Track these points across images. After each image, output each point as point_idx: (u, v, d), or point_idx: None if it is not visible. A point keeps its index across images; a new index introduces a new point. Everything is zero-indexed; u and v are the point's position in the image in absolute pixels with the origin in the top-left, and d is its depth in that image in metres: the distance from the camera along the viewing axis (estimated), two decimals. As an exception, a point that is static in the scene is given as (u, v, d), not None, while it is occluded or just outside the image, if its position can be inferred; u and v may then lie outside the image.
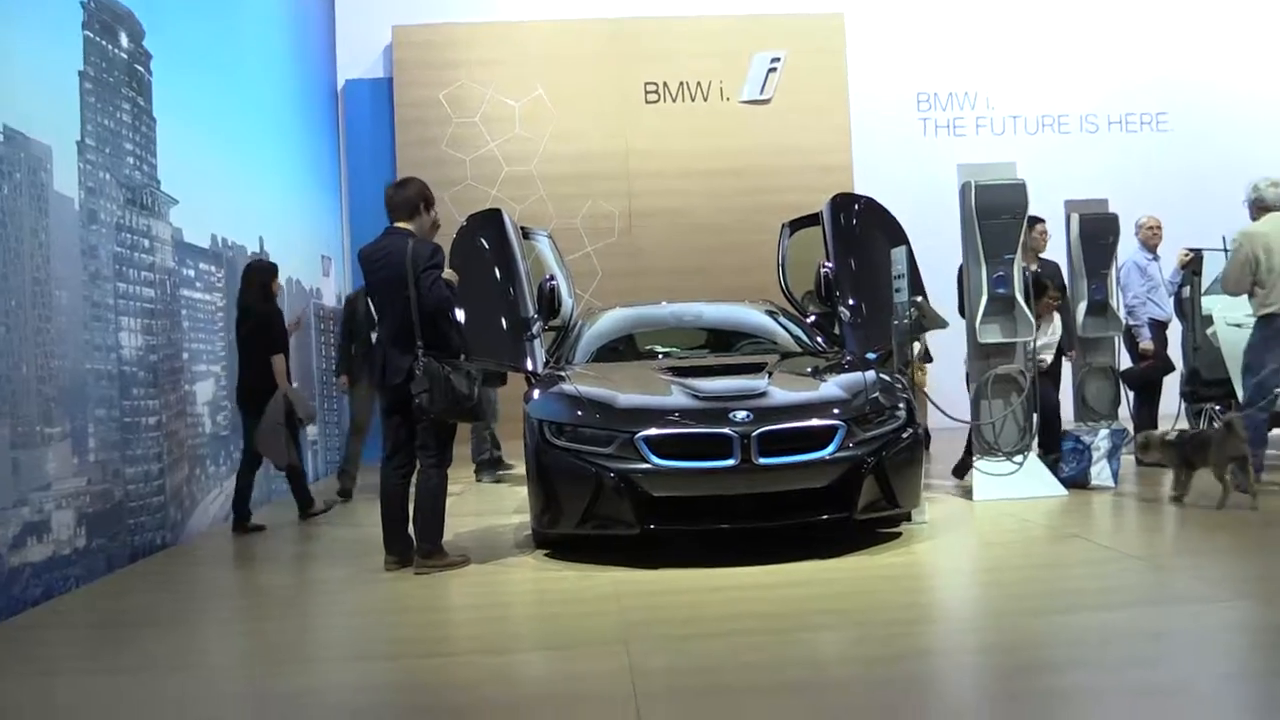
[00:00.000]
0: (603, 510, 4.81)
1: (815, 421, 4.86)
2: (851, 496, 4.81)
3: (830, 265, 6.60)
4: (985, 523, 5.61)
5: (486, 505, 7.02)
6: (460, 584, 4.70)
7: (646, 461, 4.75)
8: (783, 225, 7.63)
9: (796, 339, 6.57)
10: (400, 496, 5.02)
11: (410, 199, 5.03)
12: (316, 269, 9.77)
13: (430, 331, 4.87)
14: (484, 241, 6.59)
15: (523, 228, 7.43)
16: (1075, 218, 8.01)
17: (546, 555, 5.15)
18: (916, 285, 6.30)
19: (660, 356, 6.37)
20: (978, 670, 3.25)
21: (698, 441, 4.77)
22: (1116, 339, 8.05)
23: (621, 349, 6.51)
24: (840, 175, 10.70)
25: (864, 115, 11.10)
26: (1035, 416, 6.48)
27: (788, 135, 10.74)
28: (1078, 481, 6.52)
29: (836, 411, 4.93)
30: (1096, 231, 7.92)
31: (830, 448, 4.81)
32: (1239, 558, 4.57)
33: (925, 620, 3.78)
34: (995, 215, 6.38)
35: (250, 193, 8.06)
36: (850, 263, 6.57)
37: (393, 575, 4.92)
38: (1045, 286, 6.82)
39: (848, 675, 3.22)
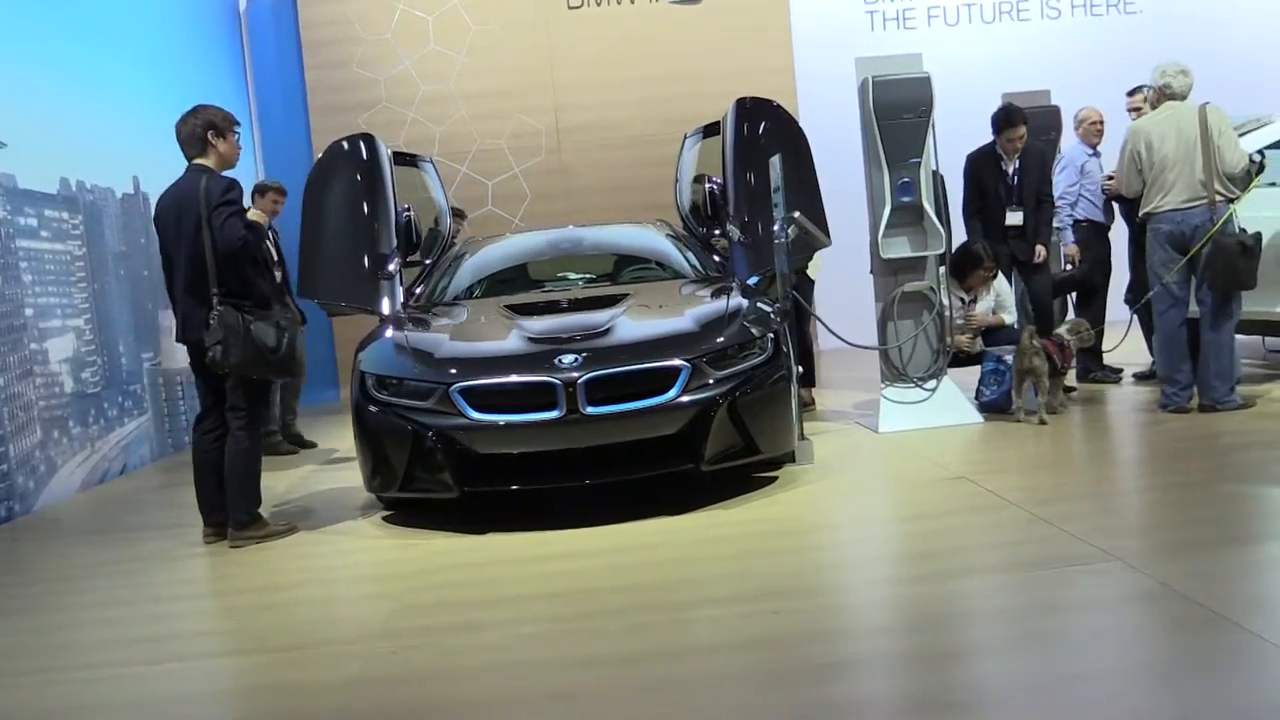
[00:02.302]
0: (422, 471, 4.34)
1: (654, 363, 4.32)
2: (699, 445, 4.30)
3: (716, 181, 5.98)
4: (874, 462, 5.09)
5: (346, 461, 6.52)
6: (266, 559, 4.27)
7: (464, 416, 4.25)
8: (685, 135, 7.00)
9: (691, 264, 6.00)
10: (213, 462, 4.55)
11: (195, 131, 4.46)
12: (222, 206, 9.21)
13: (229, 276, 4.35)
14: (344, 171, 6.04)
15: (404, 153, 6.85)
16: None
17: (385, 519, 4.71)
18: (813, 198, 5.72)
19: (532, 291, 5.82)
20: (759, 669, 2.76)
21: (519, 392, 4.26)
22: (1059, 243, 7.42)
23: (494, 284, 5.95)
24: (781, 79, 9.94)
25: (805, 11, 10.26)
26: (947, 340, 5.89)
27: (723, 37, 9.96)
28: (999, 406, 5.97)
29: (680, 350, 4.38)
30: (1033, 127, 7.22)
31: (672, 392, 4.28)
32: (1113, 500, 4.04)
33: (737, 598, 3.28)
34: (897, 114, 5.71)
35: (123, 130, 7.48)
36: (749, 176, 5.95)
37: (207, 549, 4.51)
38: (980, 258, 6.16)
39: (612, 680, 2.74)
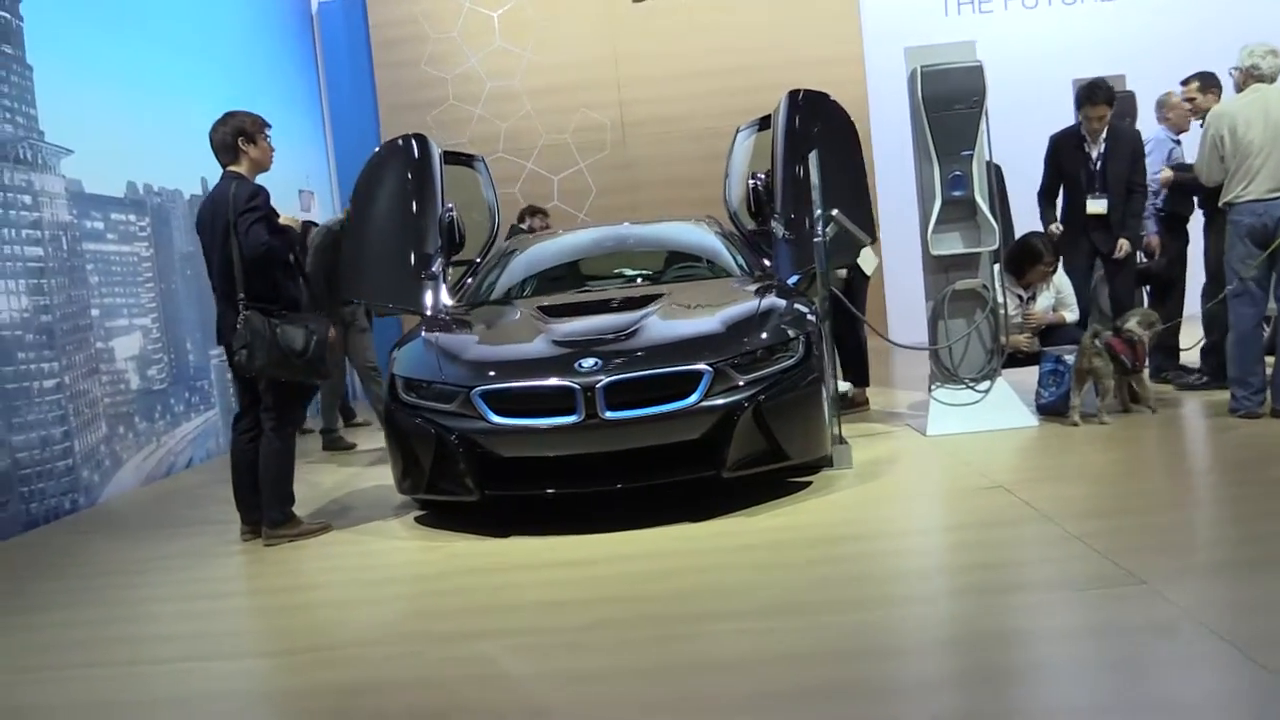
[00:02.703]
0: (446, 474, 4.36)
1: (675, 367, 4.24)
2: (722, 451, 4.21)
3: (761, 177, 5.85)
4: (913, 468, 4.91)
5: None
6: (294, 559, 4.35)
7: (485, 420, 4.25)
8: (737, 129, 6.88)
9: (738, 262, 5.89)
10: (249, 462, 4.65)
11: (225, 139, 4.54)
12: (293, 205, 9.44)
13: (257, 282, 4.43)
14: (393, 172, 6.11)
15: (455, 153, 6.90)
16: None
17: (417, 520, 4.75)
18: (859, 195, 5.56)
19: (570, 291, 5.78)
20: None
21: (538, 395, 4.23)
22: (1142, 235, 7.07)
23: (536, 283, 5.94)
24: (849, 68, 9.73)
25: (876, -4, 10.01)
26: (1002, 339, 5.66)
27: (790, 27, 9.77)
28: (1057, 409, 5.71)
29: (705, 353, 4.29)
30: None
31: (694, 396, 4.20)
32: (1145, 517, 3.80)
33: (738, 613, 3.19)
34: (947, 105, 5.48)
35: (192, 132, 7.67)
36: (797, 170, 5.80)
37: (243, 547, 4.61)
38: (1039, 252, 5.91)
39: (589, 697, 2.70)
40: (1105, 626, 2.81)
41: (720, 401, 4.22)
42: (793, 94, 6.17)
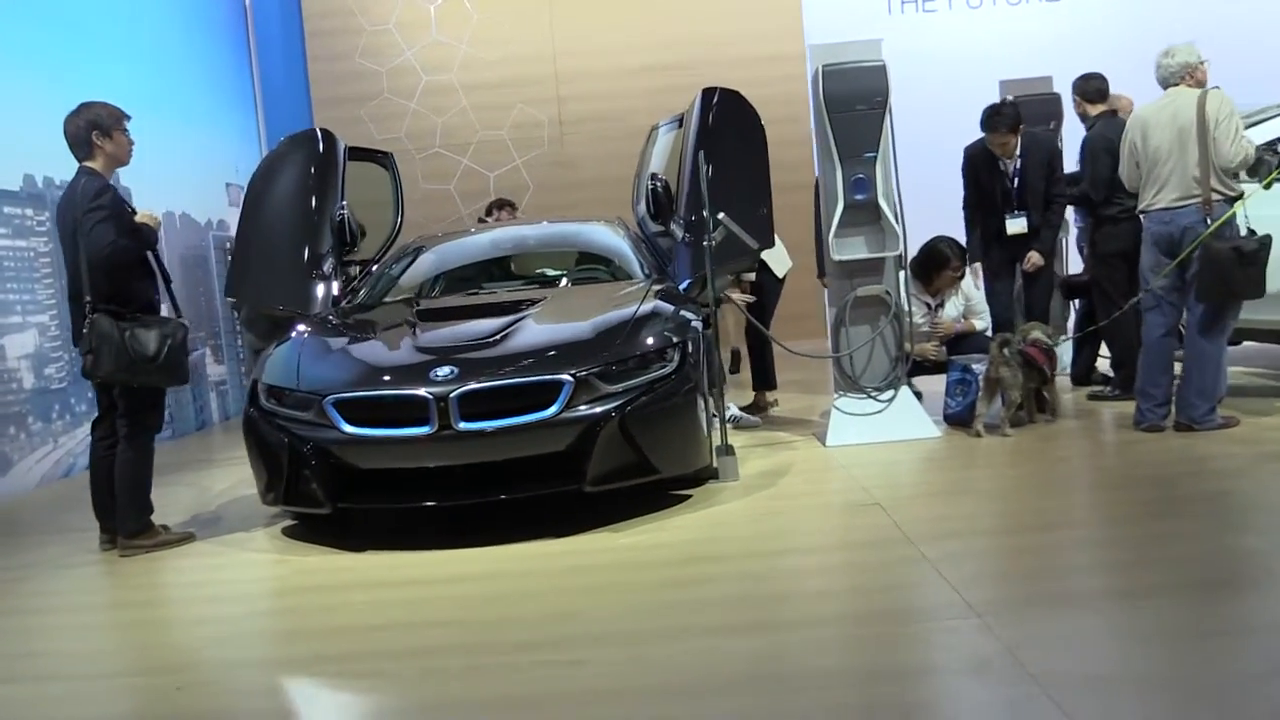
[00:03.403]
0: (299, 485, 4.18)
1: (533, 377, 4.07)
2: (584, 464, 4.04)
3: (659, 178, 5.68)
4: (798, 482, 4.74)
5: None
6: (139, 571, 4.17)
7: (337, 429, 4.07)
8: (656, 126, 6.72)
9: (642, 266, 5.71)
10: (107, 469, 4.46)
11: (79, 132, 4.34)
12: (220, 198, 9.24)
13: (104, 283, 4.24)
14: (291, 168, 5.92)
15: (366, 149, 6.72)
16: (1009, 100, 6.84)
17: (285, 531, 4.57)
18: (760, 199, 5.40)
19: (455, 294, 5.60)
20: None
21: (391, 405, 4.06)
22: (1063, 240, 6.95)
23: (426, 286, 5.75)
24: (791, 65, 9.56)
25: (818, -8, 9.85)
26: (906, 347, 5.51)
27: (730, 22, 9.60)
28: (963, 419, 5.56)
29: (569, 362, 4.12)
30: (1031, 115, 6.75)
31: (553, 408, 4.03)
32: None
33: (546, 642, 3.00)
34: (849, 105, 5.33)
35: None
36: (707, 170, 5.63)
37: (99, 557, 4.43)
38: (946, 258, 5.78)
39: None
40: (913, 667, 2.65)
41: (582, 413, 4.05)
42: (706, 92, 6.01)
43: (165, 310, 4.55)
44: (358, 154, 6.65)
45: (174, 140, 8.40)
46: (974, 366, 5.58)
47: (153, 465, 4.48)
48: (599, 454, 4.04)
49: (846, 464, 4.99)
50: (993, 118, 5.88)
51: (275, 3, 9.97)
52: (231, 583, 3.98)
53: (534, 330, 4.42)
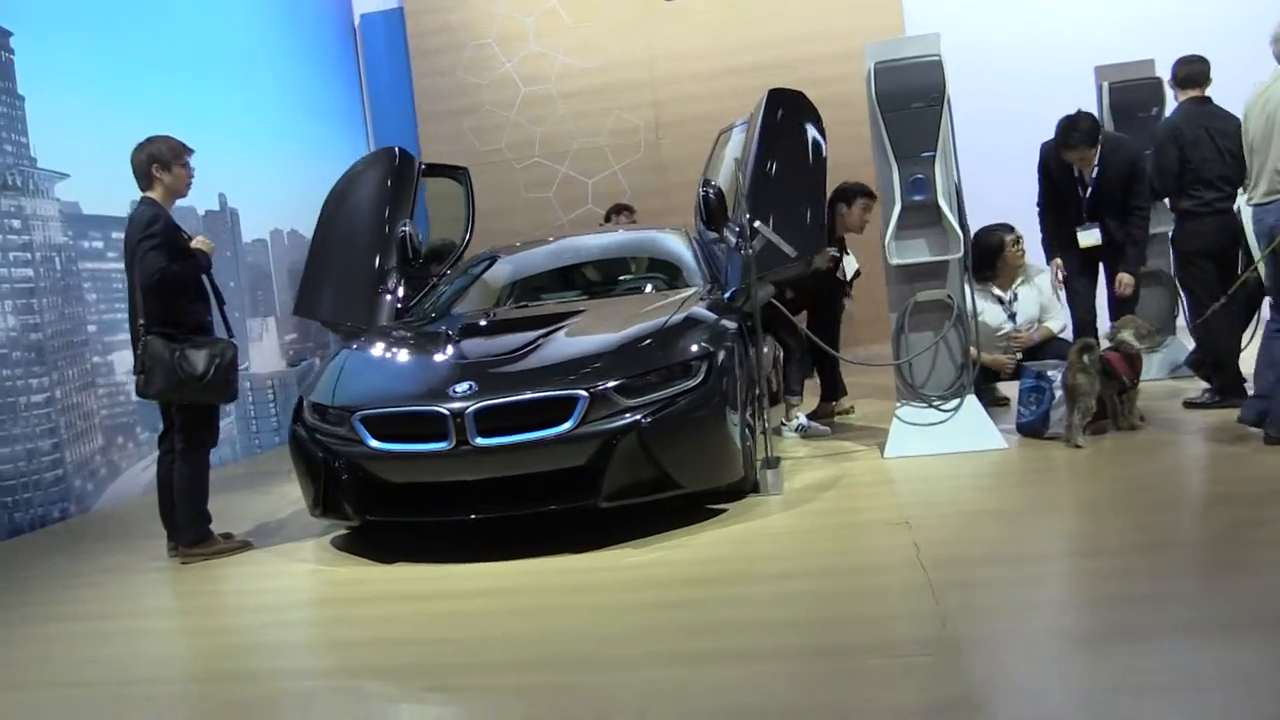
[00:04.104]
0: (334, 498, 4.32)
1: (548, 392, 4.06)
2: (600, 480, 4.02)
3: (712, 185, 5.58)
4: (842, 497, 4.56)
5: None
6: (190, 579, 4.40)
7: (364, 445, 4.18)
8: (732, 126, 6.61)
9: (701, 273, 5.63)
10: (170, 480, 4.74)
11: (139, 166, 4.61)
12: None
13: (157, 307, 4.49)
14: (365, 186, 6.15)
15: (442, 165, 6.90)
16: (1105, 87, 6.44)
17: (334, 542, 4.72)
18: (811, 205, 5.25)
19: (507, 306, 5.65)
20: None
21: (413, 420, 4.13)
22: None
23: (484, 299, 5.82)
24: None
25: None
26: (973, 353, 5.23)
27: (827, 17, 9.34)
28: (1035, 429, 5.25)
29: (588, 376, 4.09)
30: (1131, 102, 6.35)
31: (568, 423, 4.02)
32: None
33: (505, 665, 2.99)
34: (904, 104, 5.11)
35: (212, 151, 7.94)
36: (766, 172, 5.52)
37: (164, 564, 4.70)
38: (999, 241, 5.50)
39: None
40: (845, 706, 2.49)
41: (600, 428, 4.02)
42: (773, 92, 5.89)
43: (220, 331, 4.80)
44: (435, 170, 6.84)
45: (288, 161, 8.87)
46: (1049, 373, 5.25)
47: (208, 478, 4.72)
48: (614, 469, 4.01)
49: (899, 478, 4.78)
50: (1068, 134, 5.42)
51: (382, 26, 10.34)
52: (265, 592, 4.13)
53: (561, 344, 4.42)
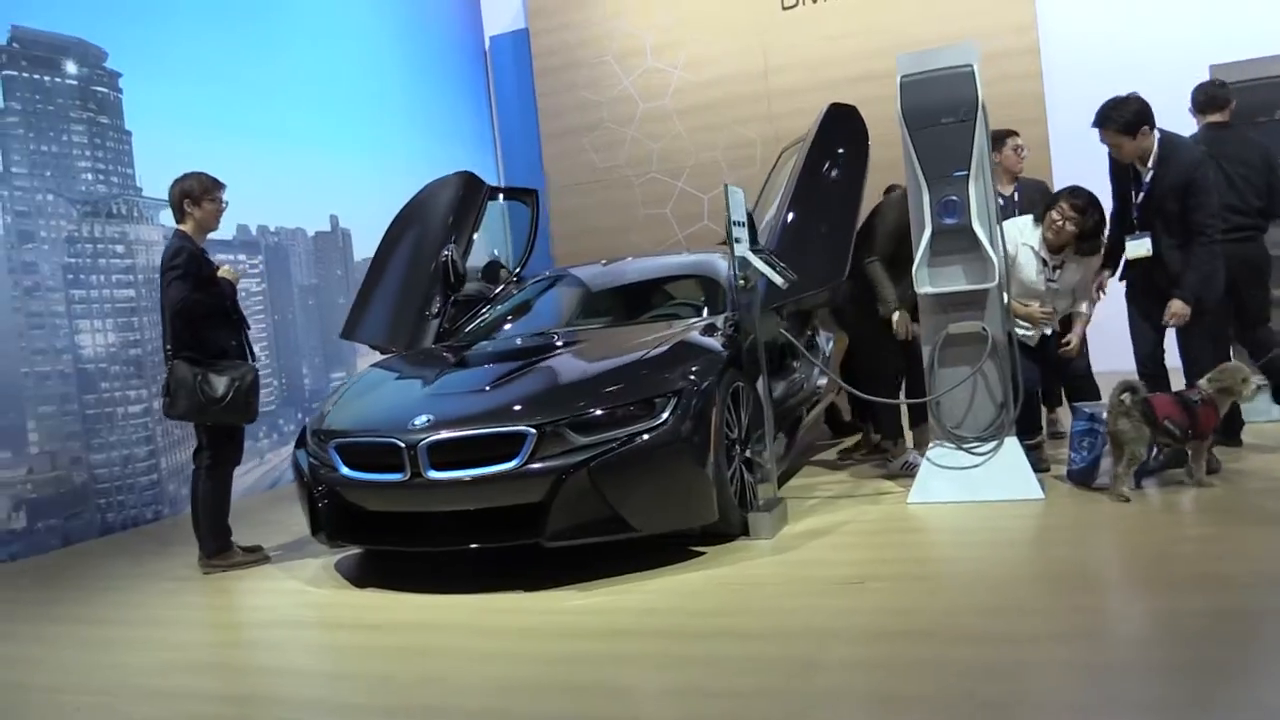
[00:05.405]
0: (315, 522, 4.46)
1: (498, 427, 4.00)
2: (544, 518, 3.93)
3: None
4: (828, 547, 4.24)
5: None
6: (197, 590, 4.67)
7: (337, 471, 4.29)
8: (783, 149, 6.38)
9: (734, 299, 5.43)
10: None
11: (173, 200, 4.92)
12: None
13: (184, 332, 4.78)
14: (423, 212, 6.35)
15: (513, 189, 7.00)
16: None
17: (340, 563, 4.86)
18: (840, 227, 4.98)
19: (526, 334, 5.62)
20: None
21: (375, 450, 4.19)
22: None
23: (509, 325, 5.82)
24: (1024, 63, 8.59)
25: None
26: (1017, 389, 4.75)
27: (953, 21, 8.76)
28: (1085, 477, 4.71)
29: (543, 411, 4.01)
30: (1248, 105, 5.62)
31: (517, 459, 3.95)
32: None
33: (349, 709, 2.98)
34: (933, 119, 4.72)
35: (325, 176, 8.39)
36: (800, 195, 5.28)
37: (188, 572, 4.99)
38: (1054, 199, 4.98)
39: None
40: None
41: (549, 465, 3.93)
42: (830, 110, 5.68)
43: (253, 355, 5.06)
44: (511, 194, 6.94)
45: (418, 182, 9.24)
46: (1104, 415, 4.70)
47: (229, 494, 4.99)
48: (559, 508, 3.91)
49: (909, 528, 4.43)
50: (1104, 112, 4.75)
51: (510, 47, 10.60)
52: (237, 609, 4.34)
53: (533, 377, 4.36)
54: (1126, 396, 4.44)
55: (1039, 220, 5.01)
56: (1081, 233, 4.88)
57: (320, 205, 8.33)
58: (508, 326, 5.75)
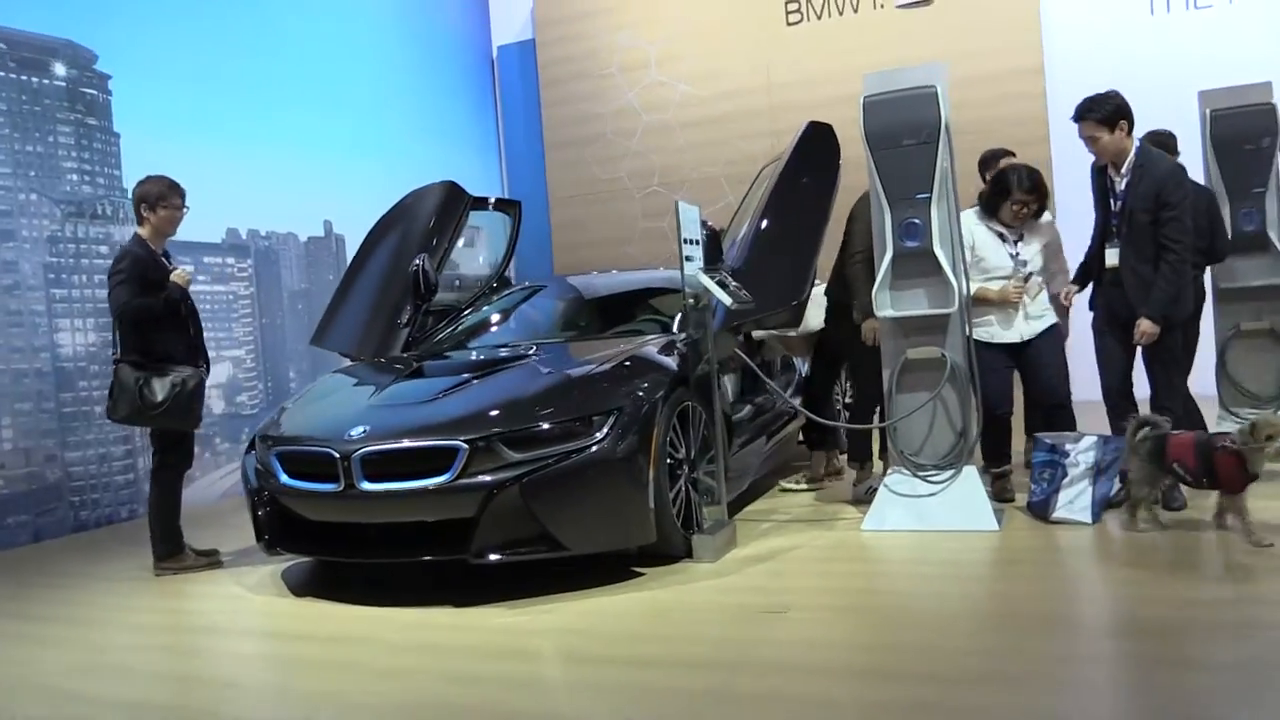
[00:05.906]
0: (259, 529, 4.44)
1: (431, 441, 3.96)
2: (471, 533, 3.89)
3: (706, 223, 5.27)
4: (769, 572, 4.14)
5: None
6: (140, 592, 4.67)
7: (276, 479, 4.27)
8: (763, 166, 6.32)
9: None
10: (154, 498, 5.06)
11: (134, 204, 4.94)
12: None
13: (129, 335, 4.79)
14: (402, 222, 6.34)
15: (487, 199, 6.97)
16: (1208, 115, 5.60)
17: (286, 571, 4.84)
18: (803, 248, 4.91)
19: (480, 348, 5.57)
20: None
21: (312, 459, 4.16)
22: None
23: (468, 338, 5.77)
24: (1026, 82, 8.46)
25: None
26: (975, 413, 4.64)
27: (959, 39, 8.65)
28: (1040, 511, 4.59)
29: (465, 428, 3.96)
30: (1236, 132, 5.48)
31: (448, 474, 3.91)
32: None
33: None
34: (894, 141, 4.64)
35: (318, 182, 8.40)
36: (779, 209, 5.23)
37: (142, 575, 4.99)
38: (1007, 187, 4.86)
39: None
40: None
41: (479, 480, 3.89)
42: (810, 127, 5.63)
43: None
44: (495, 205, 6.91)
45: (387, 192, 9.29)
46: (1066, 446, 4.57)
47: (179, 498, 4.98)
48: (487, 524, 3.87)
49: (858, 556, 4.35)
50: (1082, 104, 4.66)
51: (517, 57, 10.62)
52: (170, 612, 4.34)
53: (474, 391, 4.32)
54: (1146, 430, 4.25)
55: (988, 212, 4.92)
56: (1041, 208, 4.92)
57: (315, 210, 8.37)
58: (474, 338, 5.71)
